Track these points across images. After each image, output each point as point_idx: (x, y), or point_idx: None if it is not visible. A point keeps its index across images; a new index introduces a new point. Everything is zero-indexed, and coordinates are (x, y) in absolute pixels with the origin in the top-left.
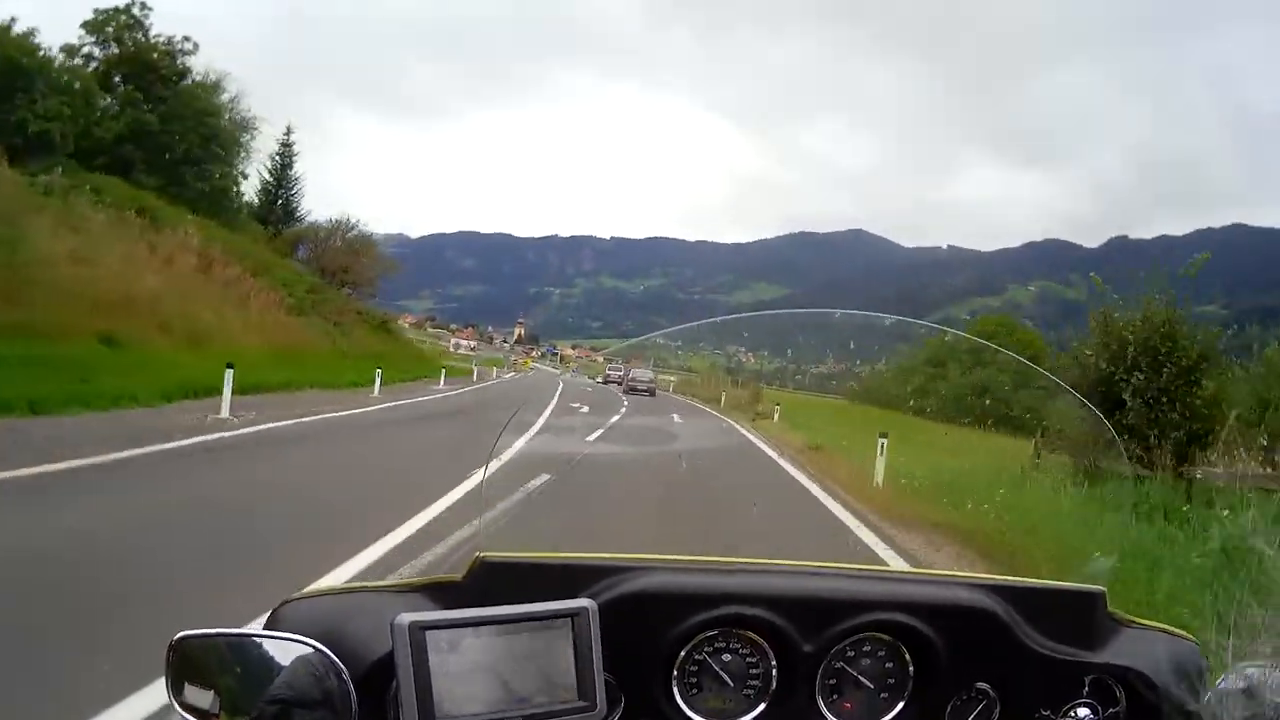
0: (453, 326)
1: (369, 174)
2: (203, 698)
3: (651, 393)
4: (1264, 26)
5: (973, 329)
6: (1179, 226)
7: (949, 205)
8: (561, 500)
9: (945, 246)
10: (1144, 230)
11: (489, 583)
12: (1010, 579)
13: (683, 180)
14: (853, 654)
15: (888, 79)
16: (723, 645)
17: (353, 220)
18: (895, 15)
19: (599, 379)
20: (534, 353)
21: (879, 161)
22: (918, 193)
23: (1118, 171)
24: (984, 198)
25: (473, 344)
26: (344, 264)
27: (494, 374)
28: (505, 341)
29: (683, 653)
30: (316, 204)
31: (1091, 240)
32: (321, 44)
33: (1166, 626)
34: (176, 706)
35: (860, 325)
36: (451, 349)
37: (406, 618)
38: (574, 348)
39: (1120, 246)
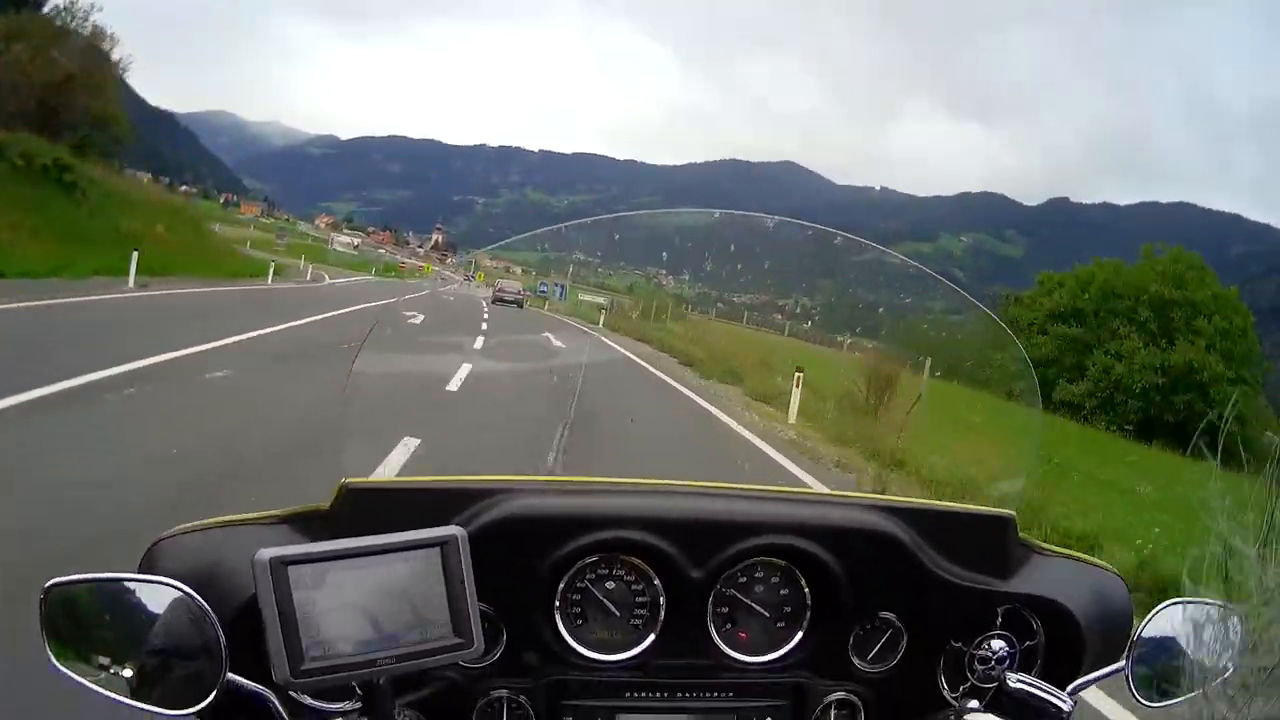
0: (370, 229)
1: (302, 70)
2: (80, 647)
3: (520, 305)
4: (1227, 16)
5: (1160, 262)
6: (1123, 197)
7: (886, 149)
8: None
9: (878, 188)
10: (1087, 195)
11: (357, 511)
12: (915, 501)
13: (615, 99)
14: (745, 580)
15: (836, 20)
16: (605, 572)
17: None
18: None
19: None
20: (448, 260)
21: (819, 100)
22: (855, 134)
23: (1065, 135)
24: (922, 144)
25: (355, 241)
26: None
27: (268, 277)
28: (420, 248)
29: (563, 581)
30: (250, 102)
31: (1030, 199)
32: None
33: (1084, 556)
34: (52, 658)
35: (762, 231)
36: (277, 240)
37: (266, 553)
38: (493, 259)
39: (1060, 208)
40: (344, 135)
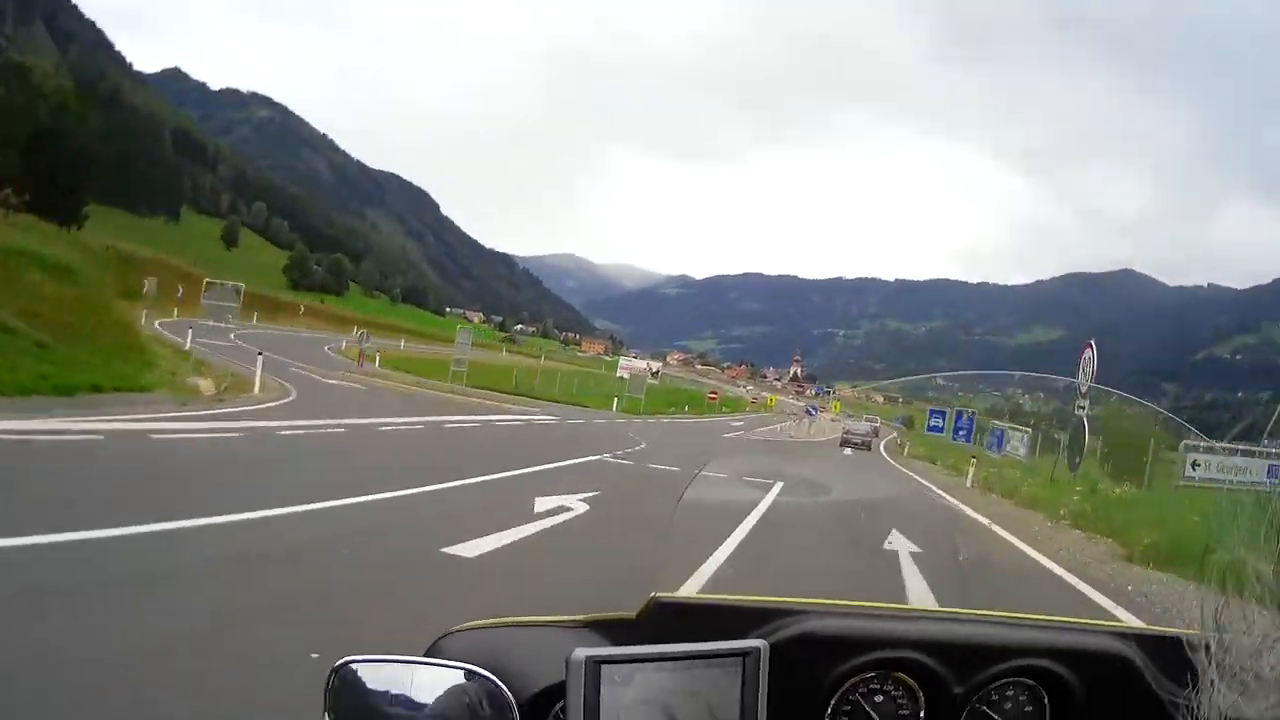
0: (725, 364)
1: (653, 216)
2: None
3: (868, 446)
4: None
5: None
6: None
7: (1211, 241)
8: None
9: (1206, 285)
10: None
11: (661, 622)
12: (1144, 627)
13: (964, 222)
14: (996, 698)
15: (1154, 119)
16: (876, 687)
17: None
18: (1162, 56)
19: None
20: (808, 391)
21: (1146, 200)
22: (1182, 230)
23: None
24: (1241, 232)
25: (655, 366)
26: None
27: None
28: (778, 380)
29: (838, 694)
30: (599, 247)
31: None
32: (608, 91)
33: None
34: None
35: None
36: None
37: (583, 652)
38: (854, 388)
39: None
40: (698, 275)
